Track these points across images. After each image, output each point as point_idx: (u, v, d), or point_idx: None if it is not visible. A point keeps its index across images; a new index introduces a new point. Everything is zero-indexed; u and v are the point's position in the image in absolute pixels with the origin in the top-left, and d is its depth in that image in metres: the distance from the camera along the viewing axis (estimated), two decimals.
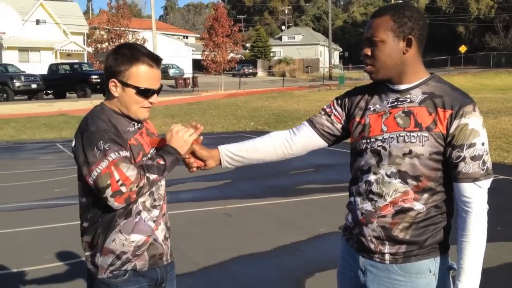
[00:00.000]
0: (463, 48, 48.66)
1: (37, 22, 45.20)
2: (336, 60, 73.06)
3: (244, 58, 62.40)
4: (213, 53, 35.18)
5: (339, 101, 2.13)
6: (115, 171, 1.93)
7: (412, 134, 1.84)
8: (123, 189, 1.93)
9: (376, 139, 1.92)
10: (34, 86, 28.17)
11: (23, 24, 42.90)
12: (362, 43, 2.01)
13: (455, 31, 68.31)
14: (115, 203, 1.94)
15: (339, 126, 2.11)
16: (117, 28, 34.09)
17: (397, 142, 1.87)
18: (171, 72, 48.30)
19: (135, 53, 2.06)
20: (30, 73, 29.71)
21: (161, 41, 47.00)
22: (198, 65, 44.00)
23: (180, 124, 2.16)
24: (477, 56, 55.55)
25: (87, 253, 2.13)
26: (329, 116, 2.13)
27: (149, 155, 2.12)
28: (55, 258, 5.08)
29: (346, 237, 2.09)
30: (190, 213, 6.70)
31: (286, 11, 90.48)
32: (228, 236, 5.81)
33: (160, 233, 2.17)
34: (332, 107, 2.14)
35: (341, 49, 79.24)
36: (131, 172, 1.95)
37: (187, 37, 74.11)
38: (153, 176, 2.01)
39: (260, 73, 59.12)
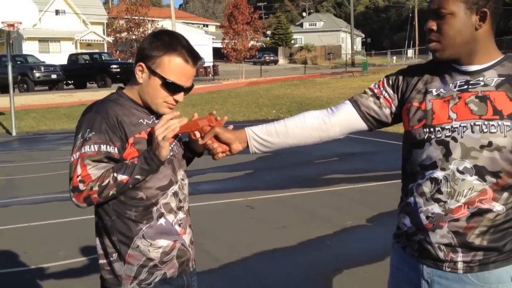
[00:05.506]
0: None
1: (57, 12, 45.25)
2: (358, 46, 72.09)
3: (265, 46, 61.90)
4: (233, 41, 34.79)
5: (390, 81, 1.82)
6: (79, 165, 1.76)
7: (491, 123, 1.58)
8: (81, 186, 1.74)
9: (443, 128, 1.64)
10: (54, 76, 28.10)
11: (42, 15, 43.05)
12: (426, 15, 1.71)
13: None
14: (73, 199, 1.78)
15: (387, 111, 1.81)
16: (136, 17, 33.83)
17: (472, 132, 1.60)
18: None
19: (174, 42, 1.83)
20: (49, 64, 29.69)
21: (181, 30, 46.74)
22: (218, 54, 43.70)
23: (169, 118, 1.78)
24: (503, 40, 54.26)
25: (102, 261, 1.90)
26: (378, 98, 1.82)
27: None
28: (71, 254, 4.88)
29: (401, 245, 1.79)
30: (211, 205, 6.45)
31: None
32: (250, 230, 5.55)
33: (187, 237, 1.98)
34: (382, 88, 1.83)
35: (363, 35, 78.18)
36: (94, 171, 1.75)
37: (207, 25, 73.61)
38: (121, 177, 1.75)
39: (281, 60, 58.55)
